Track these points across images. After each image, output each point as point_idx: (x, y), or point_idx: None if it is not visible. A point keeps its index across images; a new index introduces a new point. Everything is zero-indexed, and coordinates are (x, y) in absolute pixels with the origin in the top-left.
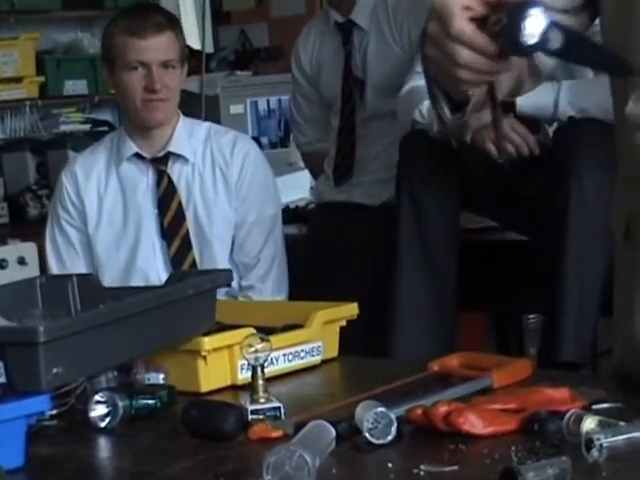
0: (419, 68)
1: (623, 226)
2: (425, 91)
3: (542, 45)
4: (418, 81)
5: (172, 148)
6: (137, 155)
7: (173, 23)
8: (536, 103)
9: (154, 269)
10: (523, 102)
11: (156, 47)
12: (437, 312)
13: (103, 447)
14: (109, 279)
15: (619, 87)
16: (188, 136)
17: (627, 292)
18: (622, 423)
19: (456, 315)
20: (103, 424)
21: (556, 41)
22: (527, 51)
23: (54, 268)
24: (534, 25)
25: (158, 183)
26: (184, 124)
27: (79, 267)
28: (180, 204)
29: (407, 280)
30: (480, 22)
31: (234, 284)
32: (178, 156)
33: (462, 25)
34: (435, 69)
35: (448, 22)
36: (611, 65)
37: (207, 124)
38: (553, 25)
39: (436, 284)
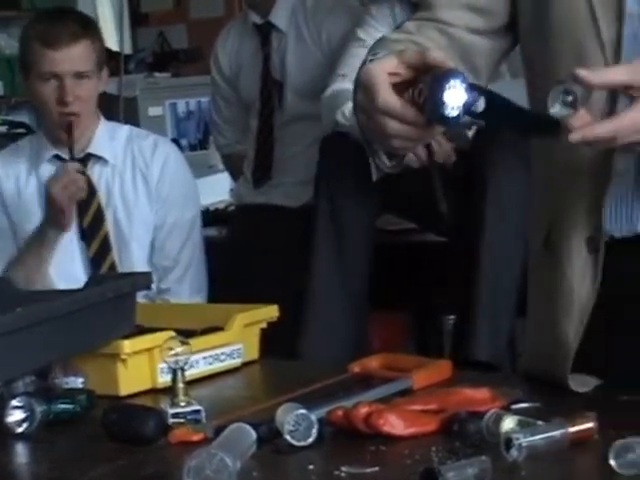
0: (341, 71)
1: (542, 234)
2: (348, 94)
3: (465, 113)
4: (341, 84)
5: (92, 150)
6: (57, 156)
7: (90, 30)
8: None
9: (73, 270)
10: None
11: (70, 58)
12: (350, 314)
13: (21, 453)
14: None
15: (539, 89)
16: (109, 139)
17: (543, 298)
18: (541, 422)
19: (368, 317)
20: (20, 430)
21: (479, 106)
22: (451, 123)
23: None
24: (455, 97)
25: None
26: (105, 127)
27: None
28: (100, 206)
29: (321, 282)
30: (407, 86)
31: (153, 287)
32: (98, 158)
33: (387, 98)
34: (368, 134)
35: (374, 96)
36: (536, 124)
37: (128, 127)
38: (474, 91)
39: (350, 286)
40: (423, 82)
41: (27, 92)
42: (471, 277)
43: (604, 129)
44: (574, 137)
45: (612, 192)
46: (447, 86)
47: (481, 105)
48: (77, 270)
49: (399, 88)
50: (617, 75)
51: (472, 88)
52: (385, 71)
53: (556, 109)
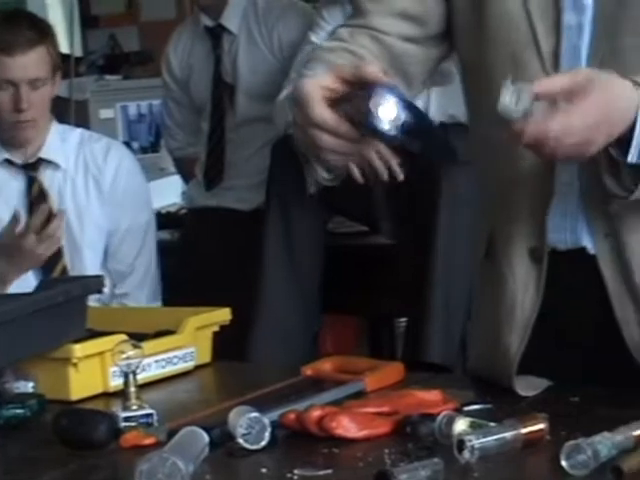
0: (295, 74)
1: (484, 243)
2: None
3: (402, 132)
4: (284, 92)
5: (43, 154)
6: (8, 161)
7: (45, 36)
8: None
9: (25, 276)
10: None
11: (25, 65)
12: (301, 314)
13: None
14: None
15: (475, 100)
16: (61, 142)
17: (487, 306)
18: (493, 424)
19: (320, 320)
20: None
21: (408, 123)
22: (385, 137)
23: None
24: (389, 112)
25: (29, 189)
26: (56, 130)
27: None
28: (51, 211)
29: (272, 283)
30: (343, 100)
31: (106, 292)
32: (49, 162)
33: (322, 113)
34: (305, 148)
35: (308, 110)
36: (439, 148)
37: (80, 130)
38: (411, 110)
39: (301, 287)
40: (358, 97)
41: None
42: (423, 280)
43: (556, 123)
44: (525, 134)
45: (556, 204)
46: (381, 101)
47: (410, 123)
48: (28, 275)
49: (334, 102)
50: (558, 82)
51: (409, 106)
52: (320, 86)
53: (505, 105)
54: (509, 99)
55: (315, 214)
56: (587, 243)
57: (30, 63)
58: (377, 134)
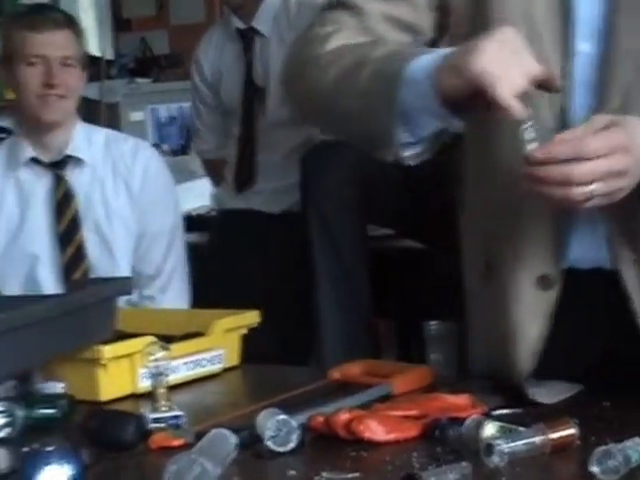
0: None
1: (480, 268)
2: None
3: None
4: None
5: (70, 152)
6: (34, 160)
7: (72, 23)
8: None
9: (46, 277)
10: None
11: (55, 42)
12: (357, 321)
13: (1, 458)
14: (1, 285)
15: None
16: (87, 141)
17: (487, 331)
18: (521, 428)
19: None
20: (1, 434)
21: None
22: None
23: None
24: None
25: (55, 188)
26: (82, 129)
27: None
28: (76, 211)
29: (326, 296)
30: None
31: (135, 293)
32: (77, 161)
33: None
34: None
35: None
36: None
37: (105, 130)
38: None
39: (353, 296)
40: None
41: (9, 86)
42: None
43: (595, 140)
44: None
45: (578, 224)
46: None
47: None
48: (49, 276)
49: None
50: (579, 131)
51: None
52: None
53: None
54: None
55: (355, 218)
56: (611, 263)
57: (59, 41)
58: None
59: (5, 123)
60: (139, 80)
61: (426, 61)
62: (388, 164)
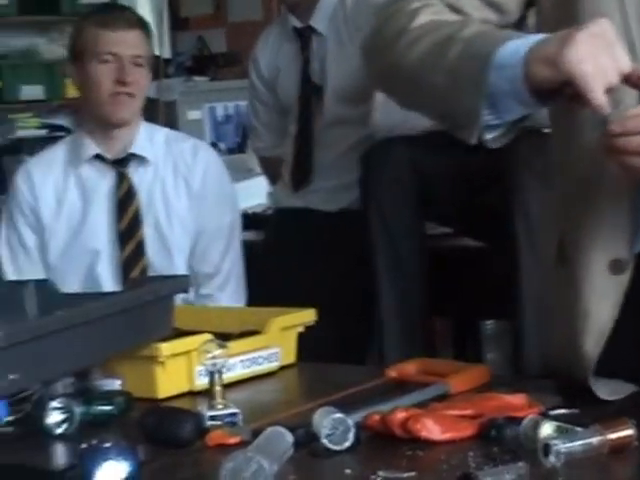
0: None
1: (554, 246)
2: None
3: None
4: None
5: (134, 150)
6: (97, 157)
7: (143, 24)
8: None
9: (105, 274)
10: None
11: (127, 41)
12: (415, 319)
13: (59, 454)
14: (60, 281)
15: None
16: (149, 140)
17: (560, 315)
18: (579, 429)
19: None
20: (59, 431)
21: None
22: None
23: (9, 272)
24: None
25: (118, 186)
26: (145, 128)
27: (34, 271)
28: (138, 209)
29: (385, 293)
30: None
31: (191, 292)
32: (140, 159)
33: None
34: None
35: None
36: None
37: (165, 130)
38: None
39: (412, 294)
40: None
41: (77, 83)
42: (513, 291)
43: None
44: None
45: None
46: None
47: None
48: (108, 273)
49: None
50: None
51: None
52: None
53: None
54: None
55: (414, 216)
56: None
57: (132, 40)
58: None
59: (64, 122)
60: (196, 78)
61: (517, 46)
62: (446, 162)
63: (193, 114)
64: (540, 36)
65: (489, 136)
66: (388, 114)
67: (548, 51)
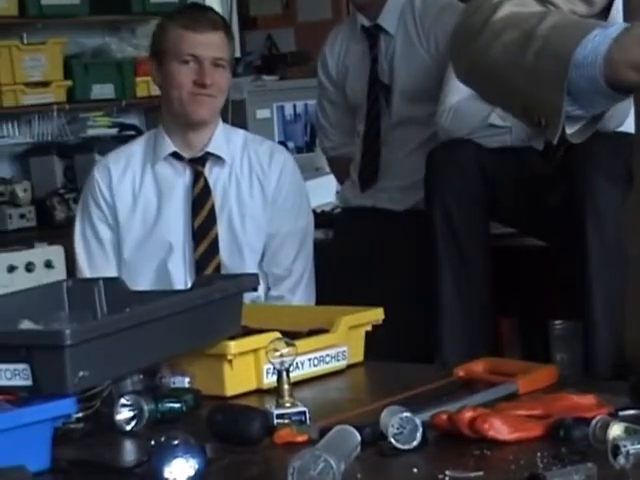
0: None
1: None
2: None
3: None
4: (460, 94)
5: (211, 149)
6: (174, 155)
7: (226, 26)
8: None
9: (178, 270)
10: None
11: (210, 43)
12: (479, 319)
13: (128, 450)
14: (133, 277)
15: None
16: (226, 141)
17: None
18: None
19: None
20: (128, 427)
21: None
22: None
23: (83, 264)
24: None
25: (194, 184)
26: (222, 129)
27: (107, 264)
28: (213, 207)
29: (449, 294)
30: None
31: (261, 293)
32: (216, 158)
33: None
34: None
35: None
36: None
37: (243, 132)
38: None
39: (475, 294)
40: None
41: (157, 82)
42: (582, 292)
43: None
44: None
45: None
46: None
47: None
48: (182, 270)
49: None
50: None
51: None
52: None
53: None
54: None
55: (479, 215)
56: None
57: (215, 42)
58: None
59: (134, 121)
60: (265, 77)
61: (595, 44)
62: (509, 162)
63: (262, 113)
64: (616, 28)
65: (570, 130)
66: (457, 123)
67: (634, 56)
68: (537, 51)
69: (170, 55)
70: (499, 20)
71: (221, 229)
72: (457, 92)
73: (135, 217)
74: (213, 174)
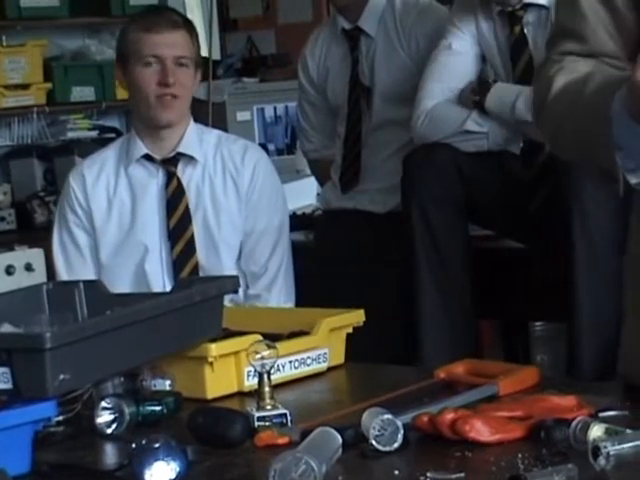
0: (443, 83)
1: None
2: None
3: None
4: (436, 98)
5: (182, 149)
6: (147, 157)
7: (188, 25)
8: (498, 100)
9: (155, 272)
10: (489, 98)
11: (170, 42)
12: (459, 320)
13: (109, 453)
14: (112, 280)
15: None
16: (198, 140)
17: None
18: (629, 431)
19: (475, 322)
20: (109, 430)
21: None
22: None
23: (62, 271)
24: None
25: (167, 185)
26: (194, 128)
27: (86, 269)
28: (187, 207)
29: (428, 297)
30: None
31: (240, 292)
32: (188, 158)
33: None
34: None
35: None
36: None
37: (217, 131)
38: None
39: (455, 296)
40: None
41: (124, 86)
42: (568, 288)
43: None
44: None
45: None
46: None
47: None
48: (159, 272)
49: None
50: None
51: None
52: None
53: None
54: None
55: (457, 217)
56: None
57: (176, 41)
58: None
59: (114, 123)
60: (245, 80)
61: (622, 92)
62: (487, 165)
63: (242, 115)
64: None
65: (634, 181)
66: (433, 128)
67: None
68: (584, 115)
69: (133, 59)
70: (554, 99)
71: (197, 229)
72: (433, 96)
73: (111, 221)
74: (186, 174)
